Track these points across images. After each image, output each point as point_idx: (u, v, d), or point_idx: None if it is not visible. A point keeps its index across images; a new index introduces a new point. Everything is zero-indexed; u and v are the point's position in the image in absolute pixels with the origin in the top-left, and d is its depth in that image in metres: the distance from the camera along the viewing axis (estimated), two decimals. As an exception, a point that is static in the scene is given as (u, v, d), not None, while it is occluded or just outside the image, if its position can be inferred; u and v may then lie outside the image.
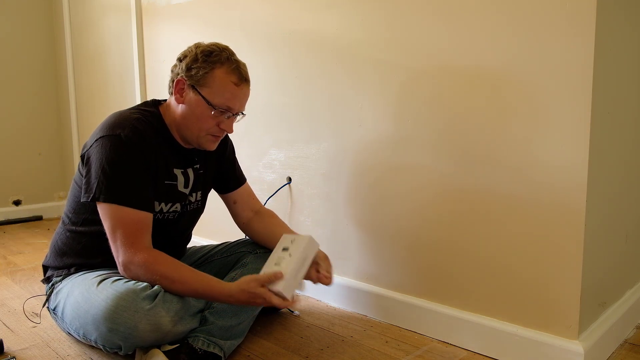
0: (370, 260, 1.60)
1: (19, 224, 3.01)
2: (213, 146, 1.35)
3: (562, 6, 1.13)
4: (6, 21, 2.97)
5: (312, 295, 1.77)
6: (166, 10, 2.28)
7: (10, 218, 3.04)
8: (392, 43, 1.46)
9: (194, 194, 1.42)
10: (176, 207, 1.37)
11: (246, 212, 1.55)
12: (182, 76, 1.29)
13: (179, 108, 1.31)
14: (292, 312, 1.62)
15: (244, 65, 1.32)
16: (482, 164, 1.31)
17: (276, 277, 1.17)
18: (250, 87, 1.33)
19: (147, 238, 1.24)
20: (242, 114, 1.34)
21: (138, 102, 2.49)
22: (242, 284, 1.17)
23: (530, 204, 1.23)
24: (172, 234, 1.41)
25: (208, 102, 1.26)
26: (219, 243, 1.60)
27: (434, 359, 1.32)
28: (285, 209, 1.82)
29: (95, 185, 1.21)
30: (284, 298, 1.16)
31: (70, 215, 1.37)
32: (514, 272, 1.27)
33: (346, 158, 1.62)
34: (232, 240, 1.60)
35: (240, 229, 1.57)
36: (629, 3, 1.30)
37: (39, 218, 3.13)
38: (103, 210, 1.23)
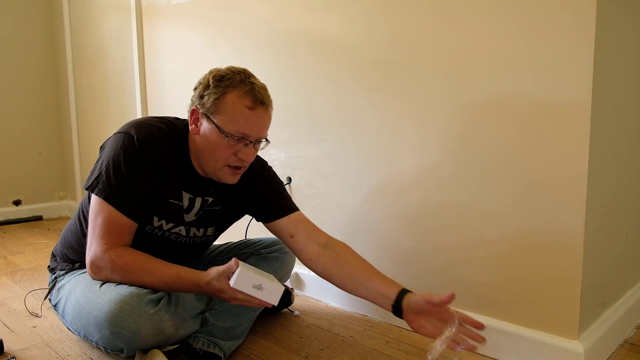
0: (370, 260, 1.59)
1: (19, 224, 3.01)
2: (234, 179, 1.24)
3: (562, 6, 1.13)
4: (6, 21, 2.97)
5: (312, 295, 1.77)
6: (166, 10, 2.28)
7: (10, 218, 3.03)
8: (393, 43, 1.46)
9: (201, 229, 1.35)
10: (179, 230, 1.31)
11: (310, 247, 1.31)
12: (196, 105, 1.21)
13: (196, 139, 1.23)
14: (292, 312, 1.62)
15: (262, 87, 1.21)
16: (480, 163, 1.30)
17: (230, 268, 1.07)
18: (272, 110, 1.23)
19: (125, 241, 1.20)
20: (267, 140, 1.24)
21: (138, 102, 2.49)
22: (207, 276, 1.10)
23: (530, 204, 1.23)
24: (178, 255, 1.35)
25: (221, 130, 1.16)
26: (222, 244, 1.60)
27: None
28: (285, 209, 1.82)
29: (96, 177, 1.21)
30: (242, 293, 1.07)
31: (83, 209, 1.35)
32: (514, 272, 1.27)
33: (346, 158, 1.62)
34: (235, 241, 1.60)
35: (307, 266, 1.34)
36: (629, 3, 1.30)
37: (39, 218, 3.13)
38: (94, 202, 1.21)
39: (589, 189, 1.15)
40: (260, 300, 1.07)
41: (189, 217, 1.31)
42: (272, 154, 1.86)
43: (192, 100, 1.24)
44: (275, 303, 1.08)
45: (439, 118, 1.38)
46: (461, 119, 1.33)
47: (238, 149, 1.20)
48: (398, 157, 1.48)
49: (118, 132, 1.23)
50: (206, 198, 1.32)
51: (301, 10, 1.70)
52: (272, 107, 1.23)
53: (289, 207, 1.38)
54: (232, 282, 1.06)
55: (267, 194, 1.38)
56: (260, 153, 1.87)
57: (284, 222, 1.35)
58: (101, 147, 1.28)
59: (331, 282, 1.29)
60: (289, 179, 1.81)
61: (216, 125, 1.17)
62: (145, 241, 1.25)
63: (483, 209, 1.31)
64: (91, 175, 1.23)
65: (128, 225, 1.20)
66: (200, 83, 1.22)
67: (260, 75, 1.84)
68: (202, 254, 1.49)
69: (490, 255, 1.31)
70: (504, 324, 1.30)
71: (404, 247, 1.50)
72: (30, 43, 3.08)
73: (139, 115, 2.50)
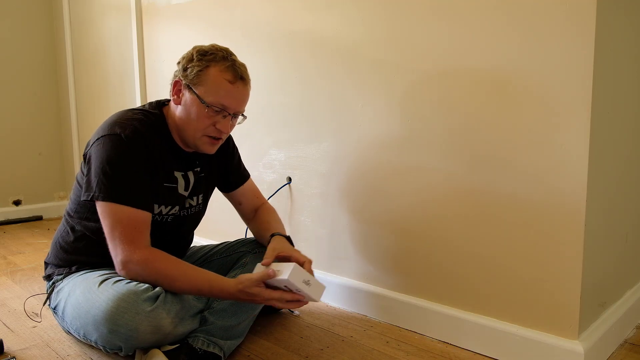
0: (370, 260, 1.60)
1: (19, 224, 3.01)
2: (211, 149, 1.32)
3: (562, 6, 1.13)
4: (6, 21, 2.97)
5: (312, 295, 1.77)
6: (166, 10, 2.28)
7: (10, 218, 3.03)
8: (392, 43, 1.46)
9: (194, 198, 1.41)
10: (175, 210, 1.37)
11: (249, 212, 1.55)
12: (179, 77, 1.28)
13: (177, 110, 1.30)
14: (292, 312, 1.62)
15: (242, 65, 1.29)
16: (481, 165, 1.30)
17: (269, 275, 1.14)
18: (251, 88, 1.31)
19: (146, 237, 1.23)
20: (243, 115, 1.32)
21: (138, 102, 2.49)
22: (239, 284, 1.16)
23: (530, 204, 1.23)
24: (173, 237, 1.41)
25: (202, 101, 1.24)
26: (219, 243, 1.60)
27: (434, 358, 1.32)
28: (285, 209, 1.82)
29: (95, 184, 1.21)
30: (288, 289, 1.15)
31: (72, 213, 1.37)
32: (514, 272, 1.27)
33: (346, 158, 1.62)
34: (232, 240, 1.60)
35: (250, 229, 1.58)
36: (629, 3, 1.30)
37: (39, 218, 3.13)
38: (102, 209, 1.22)
39: (589, 189, 1.15)
40: (306, 294, 1.16)
41: (187, 192, 1.39)
42: (272, 154, 1.86)
43: (175, 74, 1.31)
44: (319, 299, 1.18)
45: (439, 117, 1.38)
46: (461, 118, 1.33)
47: (217, 120, 1.27)
48: (399, 157, 1.48)
49: (102, 136, 1.24)
50: (196, 169, 1.40)
51: (301, 10, 1.70)
52: (250, 85, 1.31)
53: (245, 175, 1.56)
54: (287, 276, 1.13)
55: (234, 164, 1.52)
56: (260, 152, 1.88)
57: (238, 191, 1.54)
58: (85, 154, 1.28)
59: (257, 239, 1.52)
60: (289, 179, 1.81)
61: (197, 96, 1.24)
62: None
63: (483, 208, 1.31)
64: (89, 185, 1.23)
65: (144, 218, 1.23)
66: (183, 57, 1.29)
67: (260, 75, 1.85)
68: (194, 229, 1.52)
69: (490, 255, 1.31)
70: (504, 324, 1.30)
71: (406, 246, 1.50)
72: (30, 43, 3.08)
73: (139, 115, 2.50)
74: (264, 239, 1.44)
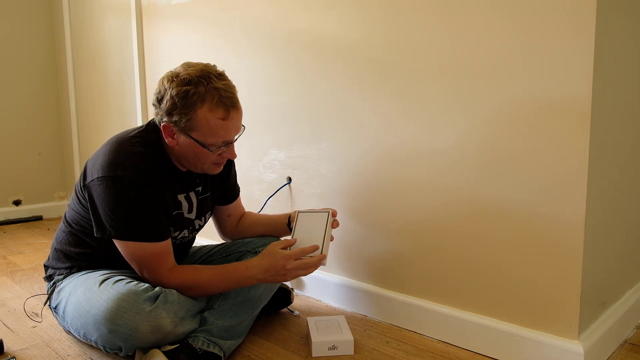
0: (370, 260, 1.60)
1: (19, 224, 3.01)
2: (219, 170, 1.33)
3: (562, 6, 1.13)
4: (6, 21, 2.97)
5: (312, 295, 1.77)
6: (166, 10, 2.28)
7: (10, 218, 3.04)
8: (392, 43, 1.46)
9: (202, 218, 1.43)
10: (185, 234, 1.38)
11: (234, 222, 1.59)
12: (166, 122, 1.21)
13: (175, 148, 1.26)
14: (292, 312, 1.62)
15: (227, 86, 1.20)
16: (481, 165, 1.30)
17: (289, 243, 1.28)
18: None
19: (169, 261, 1.27)
20: (242, 127, 1.30)
21: (138, 102, 2.49)
22: (262, 265, 1.24)
23: (530, 204, 1.23)
24: (179, 252, 1.42)
25: (203, 145, 1.21)
26: (219, 243, 1.60)
27: (434, 358, 1.32)
28: (285, 209, 1.82)
29: (108, 225, 1.21)
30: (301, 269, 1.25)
31: (72, 224, 1.37)
32: (514, 272, 1.27)
33: (346, 158, 1.62)
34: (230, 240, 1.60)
35: (224, 238, 1.63)
36: (629, 3, 1.30)
37: (39, 218, 3.13)
38: (121, 246, 1.24)
39: (589, 188, 1.15)
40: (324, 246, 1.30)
41: (192, 215, 1.37)
42: (272, 154, 1.86)
43: (159, 117, 1.24)
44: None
45: (439, 117, 1.38)
46: (460, 119, 1.33)
47: (222, 151, 1.27)
48: (398, 157, 1.48)
49: (103, 176, 1.19)
50: (197, 189, 1.38)
51: (301, 10, 1.70)
52: (239, 101, 1.25)
53: (238, 190, 1.58)
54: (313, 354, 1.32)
55: (231, 180, 1.52)
56: (260, 152, 1.88)
57: (231, 205, 1.55)
58: (84, 186, 1.25)
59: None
60: (289, 179, 1.81)
61: (196, 141, 1.21)
62: None
63: (483, 208, 1.31)
64: (101, 224, 1.22)
65: (164, 247, 1.25)
66: (162, 96, 1.20)
67: (261, 75, 1.85)
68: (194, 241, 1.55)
69: (489, 255, 1.31)
70: (504, 324, 1.30)
71: (406, 246, 1.50)
72: (30, 43, 3.08)
73: (139, 115, 2.50)
74: (267, 228, 1.55)
